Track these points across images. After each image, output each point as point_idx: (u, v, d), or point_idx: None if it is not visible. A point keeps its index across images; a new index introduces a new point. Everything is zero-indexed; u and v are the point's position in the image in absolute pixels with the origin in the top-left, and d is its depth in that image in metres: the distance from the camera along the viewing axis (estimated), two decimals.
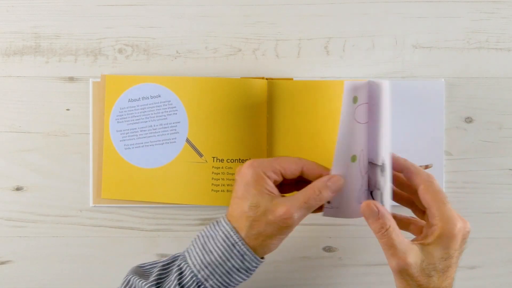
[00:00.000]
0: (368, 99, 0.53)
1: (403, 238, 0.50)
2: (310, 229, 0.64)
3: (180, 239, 0.64)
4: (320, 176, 0.53)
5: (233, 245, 0.51)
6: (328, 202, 0.55)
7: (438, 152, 0.63)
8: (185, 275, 0.52)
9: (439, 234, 0.50)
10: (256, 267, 0.53)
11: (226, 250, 0.52)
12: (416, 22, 0.64)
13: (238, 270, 0.52)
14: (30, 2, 0.64)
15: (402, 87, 0.63)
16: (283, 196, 0.53)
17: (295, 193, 0.53)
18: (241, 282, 0.53)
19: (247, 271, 0.52)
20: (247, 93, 0.62)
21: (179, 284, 0.52)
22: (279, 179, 0.53)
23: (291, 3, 0.64)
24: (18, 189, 0.64)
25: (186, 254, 0.53)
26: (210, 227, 0.53)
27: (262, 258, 0.53)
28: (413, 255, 0.50)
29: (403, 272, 0.50)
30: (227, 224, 0.52)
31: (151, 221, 0.64)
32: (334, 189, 0.52)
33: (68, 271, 0.64)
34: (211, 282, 0.52)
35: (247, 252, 0.51)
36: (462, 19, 0.64)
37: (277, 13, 0.64)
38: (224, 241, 0.52)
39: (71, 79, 0.64)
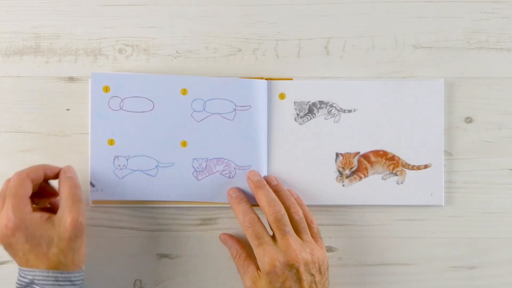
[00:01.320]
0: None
1: (253, 269, 0.57)
2: None
3: (180, 239, 0.64)
4: (50, 172, 0.59)
5: (56, 280, 0.54)
6: (93, 186, 0.61)
7: (438, 152, 0.63)
8: None
9: (260, 269, 0.56)
10: (82, 279, 0.57)
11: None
12: (416, 22, 0.64)
13: None
14: (30, 2, 0.64)
15: (402, 87, 0.63)
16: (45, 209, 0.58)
17: (61, 206, 0.56)
18: None
19: (79, 286, 0.56)
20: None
21: None
22: (30, 192, 0.57)
23: (291, 3, 0.64)
24: None
25: None
26: (20, 284, 0.55)
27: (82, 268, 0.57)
28: (253, 284, 0.57)
29: None
30: (34, 271, 0.54)
31: (151, 221, 0.64)
32: (73, 171, 0.59)
33: None
34: None
35: (72, 275, 0.55)
36: (462, 19, 0.64)
37: (277, 13, 0.64)
38: (47, 284, 0.54)
39: (71, 79, 0.64)
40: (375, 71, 0.64)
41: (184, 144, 0.63)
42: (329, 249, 0.64)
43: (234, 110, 0.62)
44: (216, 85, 0.62)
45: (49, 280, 0.54)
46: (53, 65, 0.64)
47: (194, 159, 0.63)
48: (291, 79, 0.63)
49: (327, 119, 0.63)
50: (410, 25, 0.64)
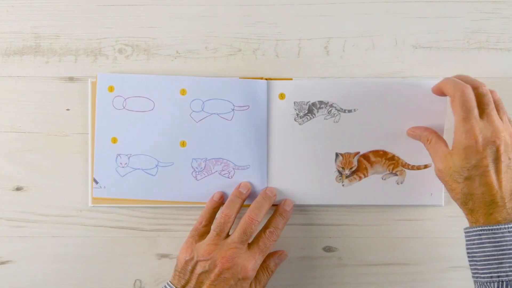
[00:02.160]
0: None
1: (443, 147, 0.57)
2: (310, 229, 0.64)
3: (180, 239, 0.64)
4: None
5: None
6: (96, 183, 0.62)
7: None
8: None
9: (454, 145, 0.54)
10: None
11: None
12: (416, 22, 0.64)
13: None
14: (30, 2, 0.64)
15: (402, 87, 0.63)
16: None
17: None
18: None
19: None
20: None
21: None
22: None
23: (291, 3, 0.64)
24: (18, 189, 0.64)
25: None
26: None
27: None
28: (443, 162, 0.55)
29: (438, 176, 0.57)
30: None
31: (151, 221, 0.64)
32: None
33: (68, 271, 0.64)
34: None
35: None
36: (462, 19, 0.64)
37: (277, 13, 0.64)
38: None
39: (71, 79, 0.64)
40: (375, 71, 0.64)
41: (183, 144, 0.63)
42: (329, 249, 0.64)
43: (233, 110, 0.62)
44: (215, 85, 0.63)
45: None
46: (53, 65, 0.64)
47: (193, 159, 0.63)
48: (291, 79, 0.63)
49: (327, 119, 0.63)
50: (410, 25, 0.64)
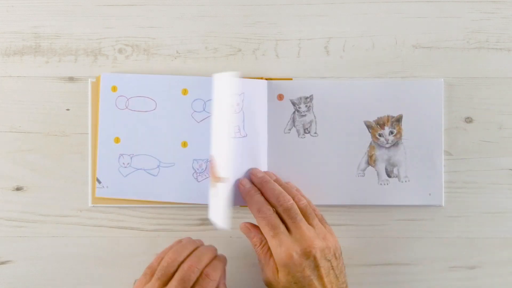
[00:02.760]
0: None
1: (273, 262, 0.55)
2: None
3: None
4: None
5: None
6: (99, 182, 0.62)
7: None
8: None
9: (277, 262, 0.55)
10: None
11: None
12: (416, 22, 0.64)
13: None
14: (30, 2, 0.64)
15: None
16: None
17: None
18: None
19: None
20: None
21: None
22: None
23: (291, 3, 0.64)
24: (18, 189, 0.64)
25: None
26: None
27: None
28: (273, 276, 0.55)
29: (266, 286, 0.57)
30: None
31: (151, 221, 0.64)
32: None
33: (68, 271, 0.64)
34: None
35: None
36: (462, 19, 0.64)
37: (277, 13, 0.64)
38: None
39: (71, 79, 0.64)
40: (375, 71, 0.64)
41: (184, 144, 0.63)
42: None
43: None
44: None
45: None
46: (53, 65, 0.64)
47: (194, 160, 0.63)
48: (291, 79, 0.63)
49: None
50: (410, 25, 0.64)
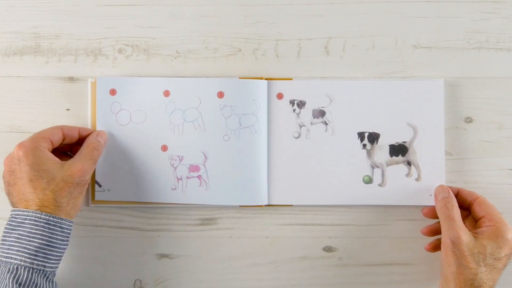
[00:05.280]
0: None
1: (462, 220, 0.58)
2: (310, 229, 0.64)
3: (180, 239, 0.64)
4: (85, 132, 0.61)
5: (47, 222, 0.54)
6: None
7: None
8: (19, 274, 0.53)
9: (493, 231, 0.57)
10: (71, 229, 0.57)
11: (44, 230, 0.54)
12: (416, 22, 0.64)
13: (62, 240, 0.56)
14: (30, 2, 0.64)
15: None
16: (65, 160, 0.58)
17: (76, 156, 0.59)
18: (65, 248, 0.57)
19: (67, 237, 0.57)
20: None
21: (19, 285, 0.53)
22: (51, 146, 0.58)
23: (291, 3, 0.64)
24: None
25: (2, 258, 0.54)
26: (10, 224, 0.55)
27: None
28: (467, 235, 0.56)
29: (455, 245, 0.56)
30: (27, 211, 0.54)
31: (151, 221, 0.64)
32: (104, 138, 0.61)
33: (68, 271, 0.64)
34: (48, 265, 0.54)
35: (64, 222, 0.56)
36: (462, 19, 0.64)
37: (277, 13, 0.64)
38: (37, 224, 0.54)
39: (71, 79, 0.64)
40: (375, 71, 0.64)
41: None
42: (329, 249, 0.64)
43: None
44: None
45: (39, 222, 0.54)
46: (53, 65, 0.64)
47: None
48: (291, 79, 0.64)
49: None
50: (410, 25, 0.64)
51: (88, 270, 0.64)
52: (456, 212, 0.58)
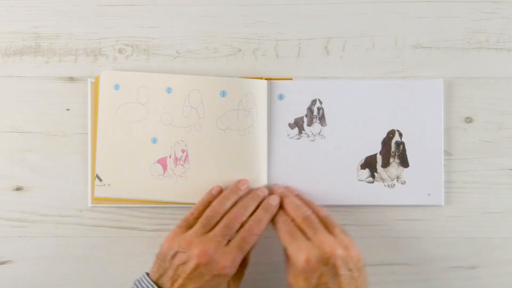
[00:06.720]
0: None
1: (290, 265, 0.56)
2: None
3: None
4: None
5: None
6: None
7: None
8: None
9: (295, 267, 0.55)
10: None
11: None
12: (416, 22, 0.64)
13: None
14: (30, 2, 0.64)
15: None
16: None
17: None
18: None
19: None
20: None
21: None
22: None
23: (291, 3, 0.64)
24: (18, 189, 0.64)
25: None
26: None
27: None
28: (294, 278, 0.55)
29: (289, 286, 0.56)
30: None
31: (151, 221, 0.64)
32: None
33: (68, 271, 0.64)
34: None
35: None
36: (462, 19, 0.64)
37: (277, 13, 0.64)
38: None
39: (71, 79, 0.64)
40: (375, 71, 0.64)
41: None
42: None
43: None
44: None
45: None
46: (53, 65, 0.64)
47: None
48: (291, 79, 0.64)
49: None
50: (410, 25, 0.64)
51: (88, 270, 0.64)
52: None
